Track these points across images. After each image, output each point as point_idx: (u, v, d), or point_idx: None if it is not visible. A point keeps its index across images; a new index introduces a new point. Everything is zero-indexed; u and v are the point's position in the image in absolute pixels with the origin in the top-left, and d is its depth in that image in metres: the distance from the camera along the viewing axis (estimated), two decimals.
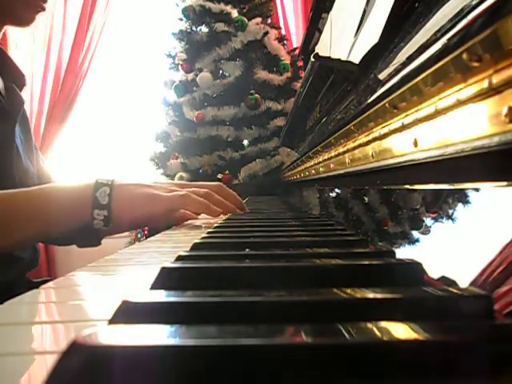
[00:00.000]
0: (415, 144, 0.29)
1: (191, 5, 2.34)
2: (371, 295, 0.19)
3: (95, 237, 0.87)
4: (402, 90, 0.29)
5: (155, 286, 0.25)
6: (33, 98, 2.74)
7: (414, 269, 0.25)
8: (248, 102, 2.20)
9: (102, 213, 0.63)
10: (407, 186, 0.35)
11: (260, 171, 2.20)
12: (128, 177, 0.69)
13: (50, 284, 0.32)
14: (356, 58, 0.47)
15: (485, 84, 0.20)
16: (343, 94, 0.58)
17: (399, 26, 0.37)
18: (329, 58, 0.68)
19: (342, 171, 0.54)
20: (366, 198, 0.49)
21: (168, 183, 0.77)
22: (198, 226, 0.75)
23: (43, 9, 0.82)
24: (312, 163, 0.78)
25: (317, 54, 0.73)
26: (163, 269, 0.26)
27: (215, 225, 0.60)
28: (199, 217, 0.88)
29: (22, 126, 0.88)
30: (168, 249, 0.49)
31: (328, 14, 0.87)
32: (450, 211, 0.28)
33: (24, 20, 0.83)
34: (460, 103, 0.23)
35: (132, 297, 0.19)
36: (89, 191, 0.63)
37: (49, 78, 2.77)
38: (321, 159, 0.67)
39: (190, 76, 2.36)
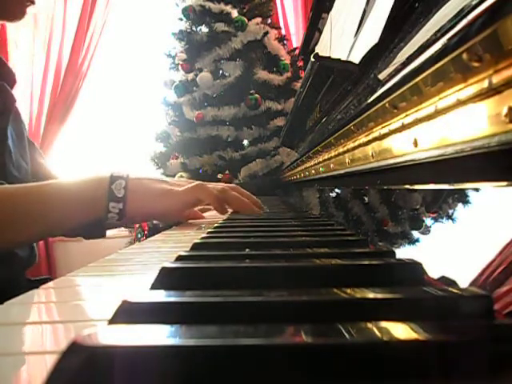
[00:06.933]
0: (415, 144, 0.29)
1: (191, 5, 2.34)
2: (371, 295, 0.19)
3: (101, 228, 0.87)
4: (401, 90, 0.29)
5: (155, 285, 0.25)
6: (33, 98, 2.74)
7: (414, 269, 0.25)
8: (248, 102, 2.20)
9: (118, 206, 0.63)
10: (407, 186, 0.35)
11: (260, 171, 2.20)
12: (143, 172, 0.70)
13: (50, 284, 0.32)
14: (356, 58, 0.47)
15: (485, 84, 0.20)
16: (343, 94, 0.58)
17: (399, 26, 0.37)
18: (329, 58, 0.68)
19: (342, 171, 0.54)
20: (366, 198, 0.49)
21: (184, 180, 0.77)
22: (198, 226, 0.75)
23: (32, 2, 0.80)
24: (312, 163, 0.78)
25: (317, 53, 0.73)
26: (163, 269, 0.26)
27: (215, 225, 0.60)
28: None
29: (13, 123, 0.85)
30: (168, 249, 0.49)
31: (328, 14, 0.87)
32: (450, 211, 0.28)
33: (14, 14, 0.81)
34: (460, 103, 0.23)
35: (132, 297, 0.19)
36: (104, 184, 0.63)
37: (49, 78, 2.78)
38: (321, 159, 0.67)
39: (190, 76, 2.37)
